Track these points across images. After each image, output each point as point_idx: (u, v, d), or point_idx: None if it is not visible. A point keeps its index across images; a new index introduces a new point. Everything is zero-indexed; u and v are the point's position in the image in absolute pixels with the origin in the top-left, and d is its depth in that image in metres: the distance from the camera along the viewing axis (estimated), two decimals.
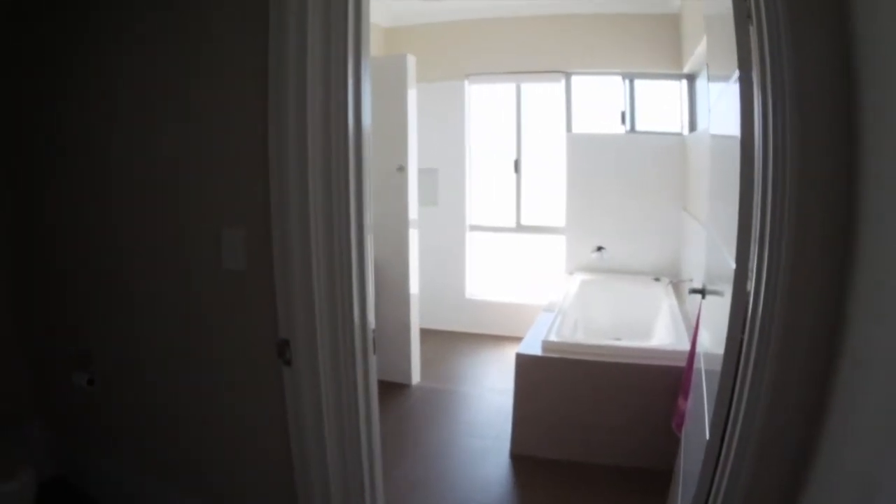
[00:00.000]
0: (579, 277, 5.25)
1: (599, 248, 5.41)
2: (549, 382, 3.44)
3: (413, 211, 4.49)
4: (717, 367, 1.50)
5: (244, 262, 2.03)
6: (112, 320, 2.53)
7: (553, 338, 3.56)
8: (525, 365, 3.48)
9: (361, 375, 1.92)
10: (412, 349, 4.61)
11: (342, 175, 1.79)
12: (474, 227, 5.95)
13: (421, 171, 5.57)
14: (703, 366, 2.13)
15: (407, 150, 4.36)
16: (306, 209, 1.79)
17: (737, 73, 1.37)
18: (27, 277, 2.85)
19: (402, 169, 4.37)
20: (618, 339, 4.57)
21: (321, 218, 1.81)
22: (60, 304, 2.75)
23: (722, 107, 1.88)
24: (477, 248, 6.06)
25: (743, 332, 1.34)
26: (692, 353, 2.74)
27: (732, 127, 1.51)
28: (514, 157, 5.75)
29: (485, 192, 6.04)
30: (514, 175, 5.76)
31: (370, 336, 1.94)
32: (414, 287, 4.57)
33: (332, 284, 1.84)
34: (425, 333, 5.47)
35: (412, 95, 4.38)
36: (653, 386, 3.21)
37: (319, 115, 1.76)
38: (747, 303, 1.33)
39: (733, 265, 1.39)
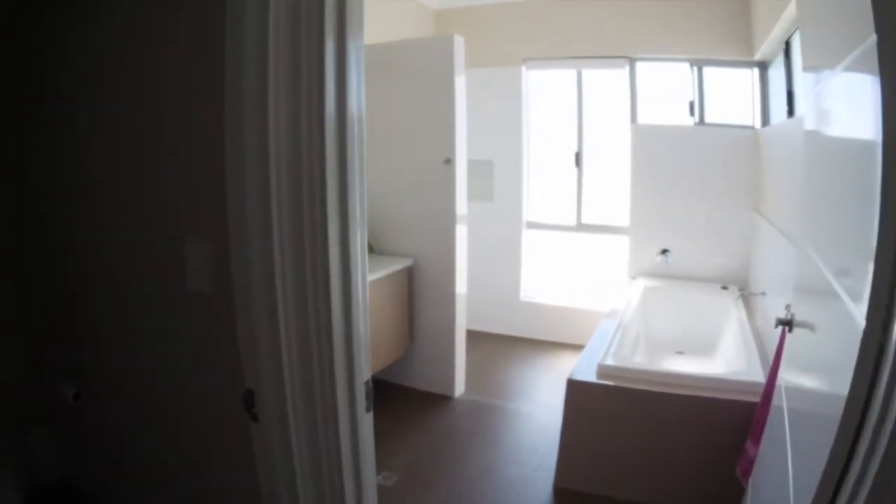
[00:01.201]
0: (642, 283, 4.81)
1: (664, 252, 4.95)
2: (602, 411, 3.04)
3: (461, 206, 4.12)
4: (814, 408, 1.28)
5: (210, 285, 1.71)
6: (95, 338, 2.26)
7: (610, 361, 3.15)
8: (576, 391, 3.07)
9: (348, 439, 1.55)
10: (456, 357, 4.25)
11: (317, 175, 1.40)
12: (531, 225, 5.55)
13: (474, 164, 5.21)
14: (785, 404, 1.80)
15: (454, 140, 3.99)
16: (268, 217, 1.42)
17: (848, 59, 1.08)
18: (29, 277, 2.61)
19: (448, 161, 4.00)
20: (680, 352, 4.17)
21: (287, 229, 1.43)
22: (52, 311, 2.49)
23: (828, 99, 1.46)
24: (534, 248, 5.65)
25: (876, 374, 0.94)
26: (768, 390, 2.33)
27: (848, 124, 1.23)
28: (574, 150, 5.29)
29: (543, 187, 5.61)
30: (574, 169, 5.31)
31: (361, 389, 1.55)
32: (460, 287, 4.21)
33: (303, 321, 1.46)
34: (475, 336, 5.21)
35: (461, 80, 4.00)
36: (718, 422, 2.78)
37: (285, 101, 1.39)
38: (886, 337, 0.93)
39: (839, 290, 1.17)
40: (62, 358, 2.45)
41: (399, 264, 4.12)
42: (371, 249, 4.23)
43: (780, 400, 1.94)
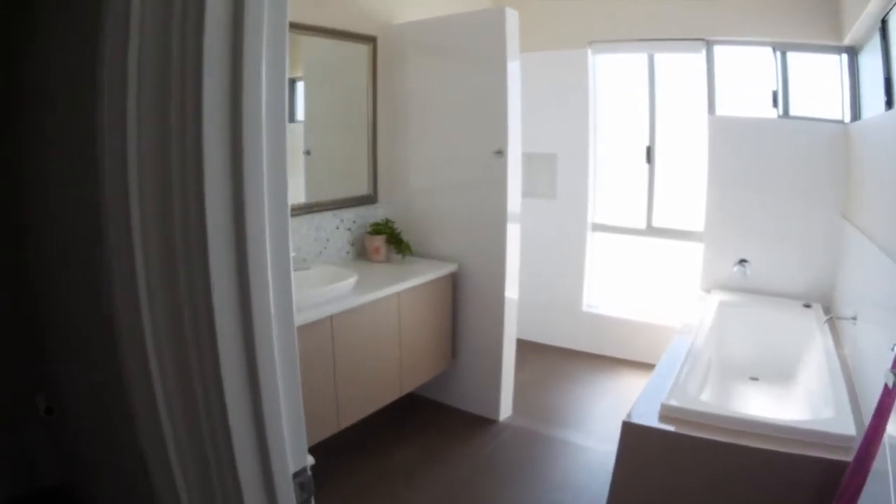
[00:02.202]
0: (717, 297, 4.25)
1: (742, 262, 4.37)
2: (661, 460, 2.54)
3: (513, 203, 3.67)
4: None
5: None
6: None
7: (674, 401, 2.62)
8: (633, 436, 2.58)
9: None
10: (503, 375, 3.82)
11: (190, 182, 0.99)
12: (597, 227, 5.02)
13: (535, 157, 4.86)
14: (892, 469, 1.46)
15: (507, 129, 3.55)
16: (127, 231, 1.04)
17: None
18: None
19: (500, 153, 3.56)
20: (755, 378, 3.72)
21: (154, 242, 1.05)
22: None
23: None
24: (599, 252, 5.13)
25: None
26: (865, 450, 1.84)
27: None
28: (646, 144, 4.75)
29: (611, 185, 5.07)
30: (645, 166, 4.77)
31: (288, 487, 1.13)
32: (511, 292, 3.77)
33: (185, 387, 1.07)
34: (528, 347, 4.88)
35: (514, 60, 3.55)
36: (797, 482, 2.26)
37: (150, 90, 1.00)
38: None
39: None
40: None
41: (441, 270, 3.72)
42: (409, 251, 3.84)
43: (886, 462, 1.55)
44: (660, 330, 4.60)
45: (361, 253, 3.94)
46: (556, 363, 4.86)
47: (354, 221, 3.89)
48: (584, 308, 5.07)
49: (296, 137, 3.54)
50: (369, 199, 3.99)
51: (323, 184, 3.73)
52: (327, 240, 3.73)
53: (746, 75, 4.36)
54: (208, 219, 0.97)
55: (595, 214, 5.02)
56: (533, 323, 5.11)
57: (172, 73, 0.96)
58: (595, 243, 5.07)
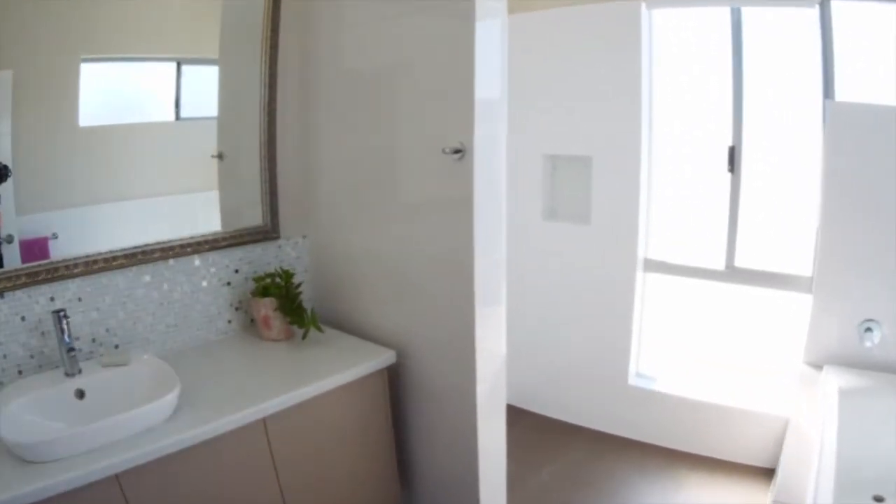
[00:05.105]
0: (834, 380, 2.79)
1: (869, 324, 2.86)
2: None
3: (489, 236, 2.16)
4: None
5: None
6: None
7: None
8: None
9: None
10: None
11: None
12: (652, 266, 3.49)
13: (557, 162, 3.55)
14: None
15: (473, 111, 2.02)
16: None
17: None
18: None
19: (459, 153, 2.07)
20: (880, 498, 2.56)
21: None
22: None
23: None
24: (654, 302, 3.60)
25: None
26: None
27: None
28: (727, 144, 3.19)
29: (674, 204, 3.54)
30: (727, 175, 3.21)
31: None
32: (486, 393, 2.27)
33: None
34: (550, 427, 3.70)
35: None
36: None
37: None
38: None
39: None
40: None
41: (367, 360, 2.32)
42: (315, 324, 2.42)
43: None
44: (740, 416, 3.25)
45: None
46: (591, 454, 3.44)
47: (237, 271, 2.51)
48: (632, 380, 3.55)
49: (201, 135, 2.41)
50: (265, 234, 2.59)
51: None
52: (186, 304, 2.37)
53: (878, 45, 2.85)
54: None
55: (649, 247, 3.49)
56: (555, 395, 3.74)
57: None
58: (648, 289, 3.54)
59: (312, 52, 2.61)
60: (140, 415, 1.72)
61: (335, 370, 2.18)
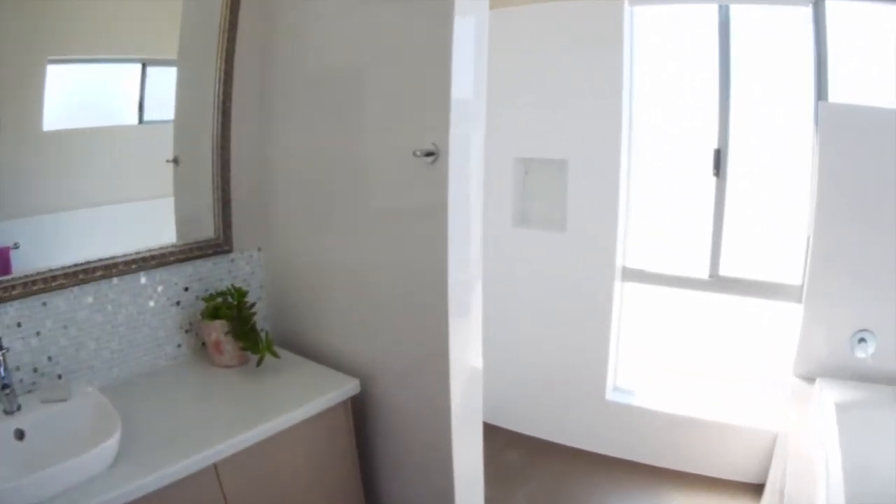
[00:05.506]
0: (830, 393, 2.64)
1: (863, 335, 2.73)
2: None
3: (463, 249, 1.96)
4: None
5: None
6: None
7: None
8: None
9: None
10: None
11: None
12: (632, 274, 3.31)
13: (531, 165, 3.46)
14: None
15: (449, 111, 1.81)
16: None
17: None
18: None
19: (433, 155, 1.86)
20: None
21: None
22: None
23: None
24: (633, 312, 3.42)
25: None
26: None
27: None
28: (713, 146, 3.02)
29: (655, 210, 3.37)
30: (712, 180, 3.06)
31: None
32: (462, 432, 2.08)
33: None
34: (522, 443, 3.51)
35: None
36: None
37: None
38: None
39: None
40: None
41: (327, 392, 2.07)
42: (270, 350, 2.18)
43: None
44: (725, 430, 3.10)
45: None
46: (568, 473, 3.25)
47: (187, 289, 2.26)
48: (610, 394, 3.36)
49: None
50: (217, 247, 2.33)
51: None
52: (132, 327, 2.12)
53: (873, 45, 2.75)
54: None
55: (628, 255, 3.30)
56: (530, 411, 3.53)
57: None
58: (628, 299, 3.36)
59: (274, 48, 2.37)
60: (78, 465, 1.47)
61: (292, 405, 1.94)
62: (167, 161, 2.19)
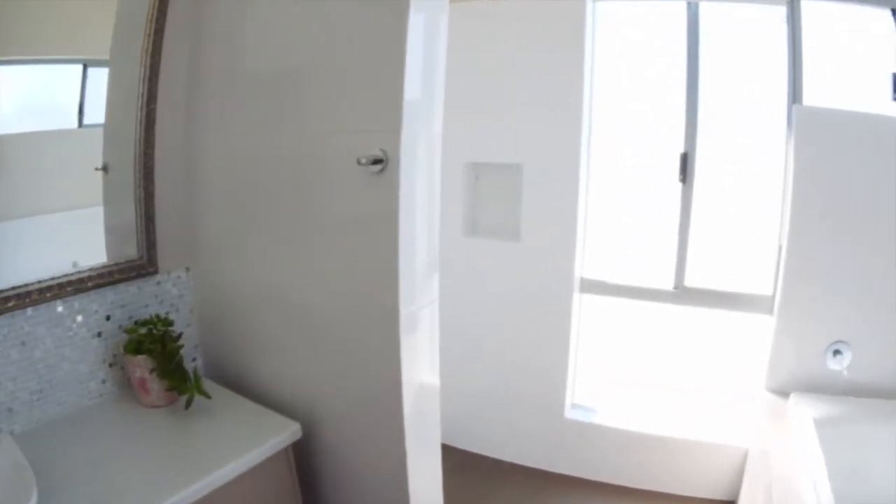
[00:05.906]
0: (806, 408, 2.46)
1: (837, 348, 2.57)
2: None
3: (409, 262, 1.71)
4: None
5: None
6: None
7: None
8: None
9: None
10: None
11: None
12: (591, 286, 3.11)
13: (482, 170, 3.15)
14: None
15: (401, 109, 1.57)
16: None
17: None
18: None
19: (380, 163, 1.62)
20: None
21: None
22: None
23: None
24: (592, 325, 3.23)
25: None
26: None
27: None
28: (679, 150, 2.85)
29: (616, 218, 3.20)
30: (678, 186, 2.88)
31: None
32: (419, 478, 1.90)
33: None
34: (475, 463, 3.31)
35: None
36: None
37: None
38: None
39: None
40: None
41: (266, 440, 1.78)
42: (199, 389, 1.89)
43: None
44: (693, 447, 2.96)
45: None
46: (527, 495, 3.03)
47: (109, 318, 1.96)
48: (568, 412, 3.17)
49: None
50: (140, 269, 2.04)
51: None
52: (50, 364, 1.82)
53: (854, 48, 2.64)
54: None
55: (587, 266, 3.11)
56: (485, 430, 3.32)
57: None
58: (586, 312, 3.17)
59: (207, 42, 2.08)
60: None
61: (226, 457, 1.65)
62: (96, 169, 1.92)
